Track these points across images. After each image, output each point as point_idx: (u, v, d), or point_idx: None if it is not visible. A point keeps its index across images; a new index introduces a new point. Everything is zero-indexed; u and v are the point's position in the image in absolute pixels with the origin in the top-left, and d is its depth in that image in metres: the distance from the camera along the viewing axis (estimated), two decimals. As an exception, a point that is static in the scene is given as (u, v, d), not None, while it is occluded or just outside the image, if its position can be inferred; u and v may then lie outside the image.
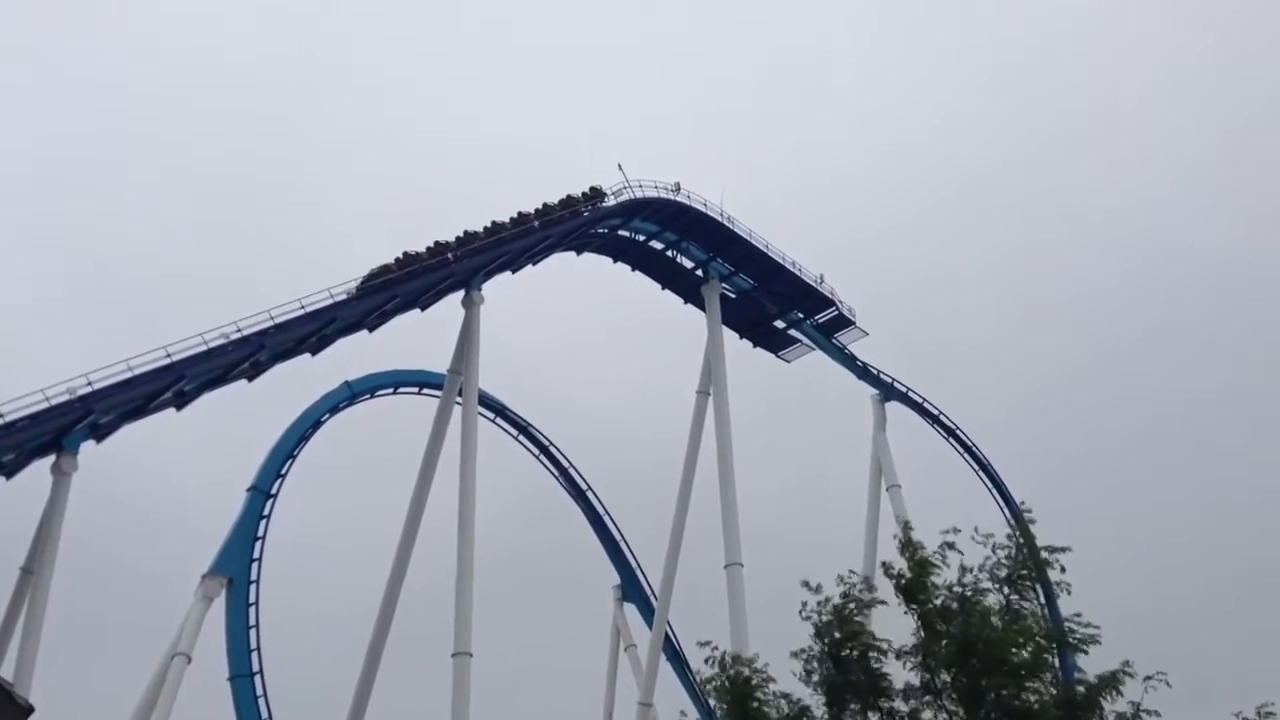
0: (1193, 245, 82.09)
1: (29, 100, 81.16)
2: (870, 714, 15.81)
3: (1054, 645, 15.86)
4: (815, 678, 16.05)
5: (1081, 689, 14.90)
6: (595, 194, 38.75)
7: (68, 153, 78.82)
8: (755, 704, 15.79)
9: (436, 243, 34.48)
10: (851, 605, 16.08)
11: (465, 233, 35.26)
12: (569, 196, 38.13)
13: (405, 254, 33.82)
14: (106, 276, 77.43)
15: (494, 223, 36.14)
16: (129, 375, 26.77)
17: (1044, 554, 16.05)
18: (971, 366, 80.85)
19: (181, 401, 28.93)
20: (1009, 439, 66.57)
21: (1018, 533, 16.73)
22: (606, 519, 43.71)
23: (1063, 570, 15.85)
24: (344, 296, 31.29)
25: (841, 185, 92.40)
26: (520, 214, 36.88)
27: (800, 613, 16.45)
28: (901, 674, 15.95)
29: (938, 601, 15.81)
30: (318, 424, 34.66)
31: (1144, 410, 76.88)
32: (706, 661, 16.78)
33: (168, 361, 27.38)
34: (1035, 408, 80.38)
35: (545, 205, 37.49)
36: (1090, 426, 77.69)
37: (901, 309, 79.30)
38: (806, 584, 16.53)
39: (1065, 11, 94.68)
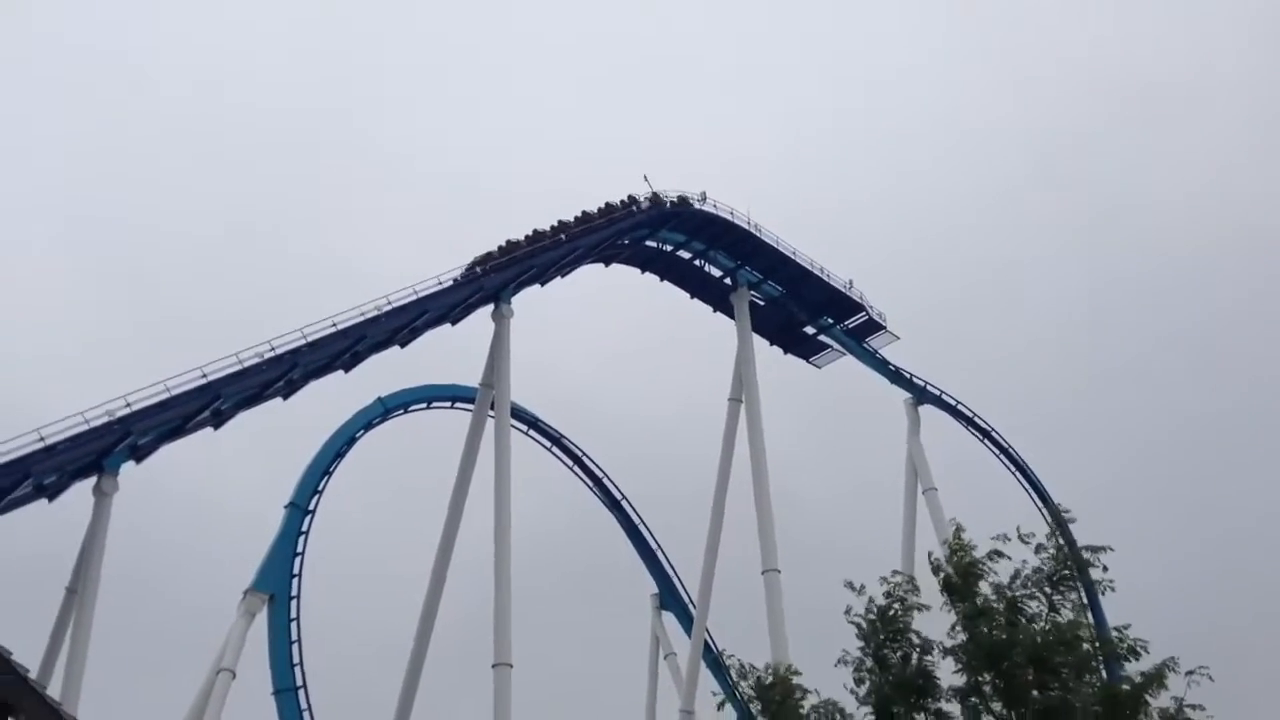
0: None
1: (47, 111, 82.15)
2: (916, 715, 15.74)
3: (1099, 654, 15.76)
4: (864, 688, 15.97)
5: (1126, 687, 14.80)
6: (633, 201, 39.04)
7: (97, 170, 79.67)
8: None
9: (560, 221, 36.90)
10: (896, 606, 15.99)
11: (507, 242, 36.25)
12: (607, 204, 38.48)
13: (508, 241, 36.15)
14: (142, 296, 78.23)
15: (535, 230, 36.83)
16: (166, 396, 27.03)
17: (1085, 554, 15.94)
18: (1007, 367, 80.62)
19: (218, 421, 29.21)
20: (1047, 440, 66.50)
21: (1058, 533, 16.67)
22: (642, 528, 43.77)
23: (1105, 570, 15.75)
24: (374, 313, 31.50)
25: (878, 183, 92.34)
26: (560, 222, 37.40)
27: (846, 616, 16.41)
28: (946, 676, 15.90)
29: (980, 601, 15.77)
30: (352, 440, 34.89)
31: (1186, 410, 76.35)
32: (729, 669, 16.75)
33: (204, 381, 27.63)
34: (1078, 409, 79.98)
35: (584, 213, 37.89)
36: (1137, 423, 77.27)
37: (932, 310, 79.16)
38: (850, 584, 16.47)
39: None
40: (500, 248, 36.26)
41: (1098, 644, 15.88)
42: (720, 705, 16.96)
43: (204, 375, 27.71)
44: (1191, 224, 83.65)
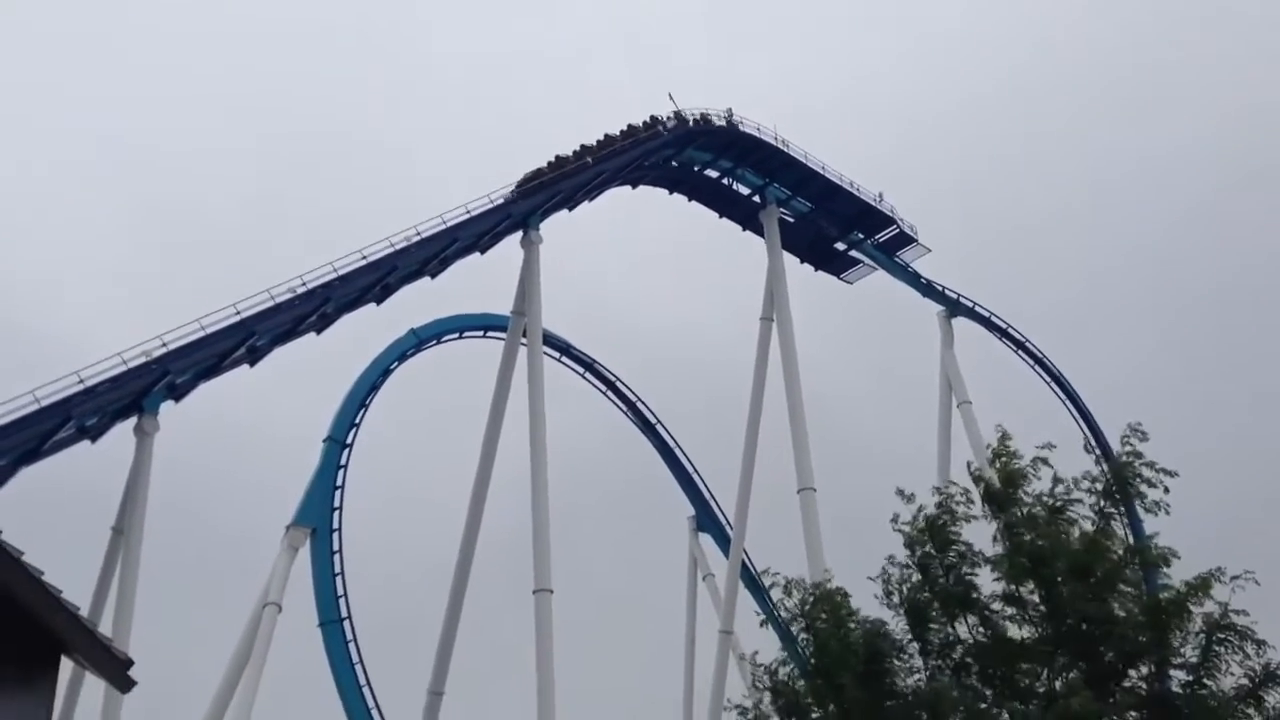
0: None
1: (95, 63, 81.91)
2: (956, 625, 15.76)
3: (1134, 560, 15.70)
4: (896, 598, 15.98)
5: (1169, 594, 14.73)
6: (655, 122, 38.59)
7: (135, 120, 79.56)
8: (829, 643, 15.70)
9: (583, 145, 36.87)
10: (946, 516, 15.94)
11: (556, 157, 36.44)
12: (630, 127, 38.07)
13: (557, 157, 36.26)
14: (175, 237, 78.50)
15: (557, 156, 36.57)
16: (202, 334, 27.24)
17: (1146, 472, 15.68)
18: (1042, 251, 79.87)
19: (254, 357, 29.40)
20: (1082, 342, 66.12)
21: (1097, 449, 16.56)
22: (677, 450, 43.89)
23: (1166, 491, 15.54)
24: (404, 244, 31.45)
25: (893, 78, 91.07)
26: (583, 146, 37.09)
27: (892, 525, 16.34)
28: (987, 586, 15.89)
29: (1024, 510, 15.70)
30: (387, 372, 35.02)
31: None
32: (771, 588, 16.77)
33: (238, 319, 27.80)
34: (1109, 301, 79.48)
35: (606, 136, 37.55)
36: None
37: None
38: (900, 492, 16.39)
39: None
40: (550, 163, 36.30)
41: (1135, 553, 15.78)
42: (762, 624, 17.00)
43: (238, 312, 27.88)
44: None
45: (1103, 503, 15.57)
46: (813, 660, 15.84)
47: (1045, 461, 15.87)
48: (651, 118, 38.72)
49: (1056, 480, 15.79)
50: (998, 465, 16.11)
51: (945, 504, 16.01)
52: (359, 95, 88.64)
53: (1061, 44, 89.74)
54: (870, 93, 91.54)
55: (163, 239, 77.93)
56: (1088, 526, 15.50)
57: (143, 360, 26.11)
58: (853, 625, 15.65)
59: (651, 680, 49.51)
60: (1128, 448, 15.78)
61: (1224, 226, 79.48)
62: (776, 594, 16.60)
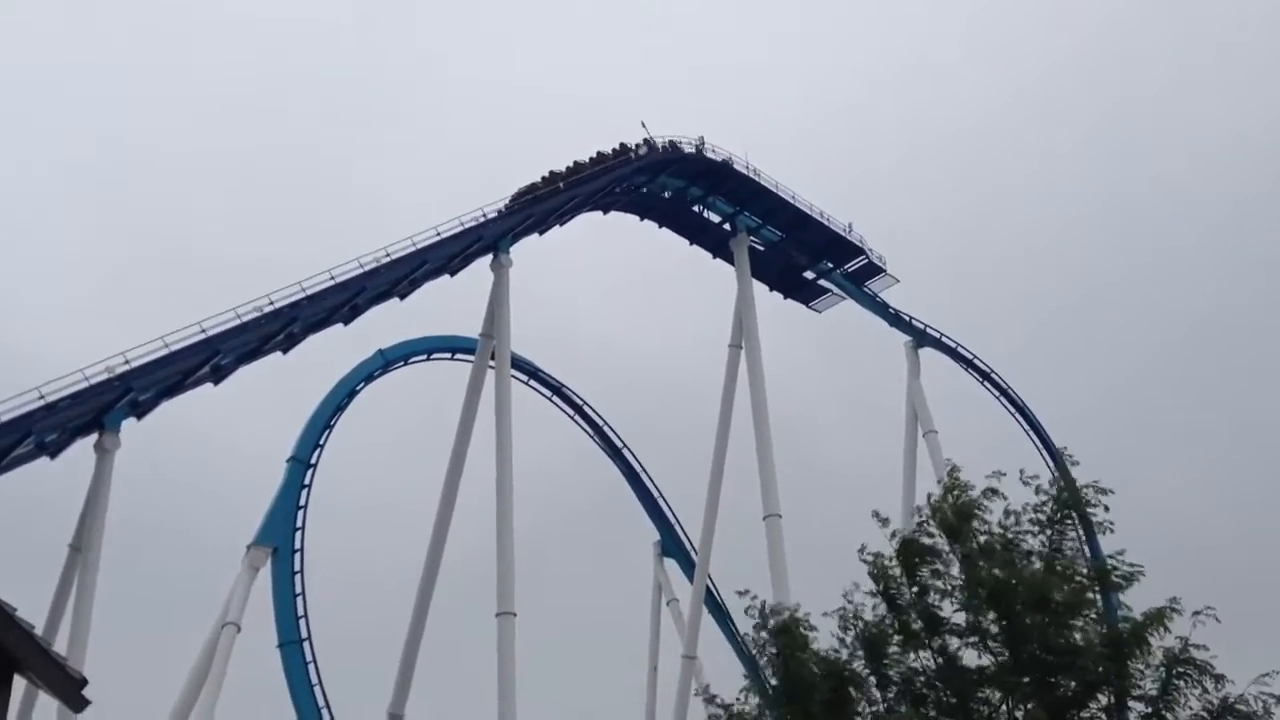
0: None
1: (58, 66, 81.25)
2: (916, 655, 15.79)
3: (1095, 585, 15.84)
4: (851, 634, 15.99)
5: (1127, 625, 14.84)
6: (624, 150, 38.75)
7: (99, 126, 78.90)
8: (802, 658, 15.72)
9: (575, 162, 37.44)
10: (919, 542, 15.97)
11: (550, 173, 37.11)
12: (599, 154, 38.24)
13: (551, 172, 37.06)
14: (140, 254, 77.84)
15: (551, 172, 37.18)
16: (166, 352, 27.02)
17: (1087, 493, 15.91)
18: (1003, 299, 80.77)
19: (218, 376, 29.22)
20: (1045, 378, 66.77)
21: (1058, 476, 16.65)
22: (643, 475, 43.89)
23: (1106, 510, 15.75)
24: (373, 265, 31.39)
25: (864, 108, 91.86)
26: (551, 173, 37.18)
27: (859, 555, 16.29)
28: (949, 615, 15.92)
29: (980, 541, 15.78)
30: (353, 393, 34.88)
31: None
32: (746, 611, 16.77)
33: (203, 337, 27.62)
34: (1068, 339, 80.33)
35: (576, 163, 37.67)
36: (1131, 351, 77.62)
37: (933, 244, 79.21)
38: (876, 514, 16.45)
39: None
40: (544, 178, 36.75)
41: (1093, 575, 15.91)
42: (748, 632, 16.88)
43: (203, 330, 27.70)
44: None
45: (1050, 531, 15.70)
46: (775, 687, 15.82)
47: (996, 492, 15.97)
48: (621, 145, 38.88)
49: (1007, 512, 15.89)
50: (949, 499, 16.18)
51: (922, 526, 16.07)
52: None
53: (1034, 80, 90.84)
54: (845, 124, 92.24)
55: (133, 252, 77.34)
56: (1041, 556, 15.60)
57: (105, 377, 25.87)
58: (815, 653, 15.66)
59: (615, 704, 49.26)
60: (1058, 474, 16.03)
61: (1201, 260, 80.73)
62: (751, 618, 16.56)
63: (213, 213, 78.24)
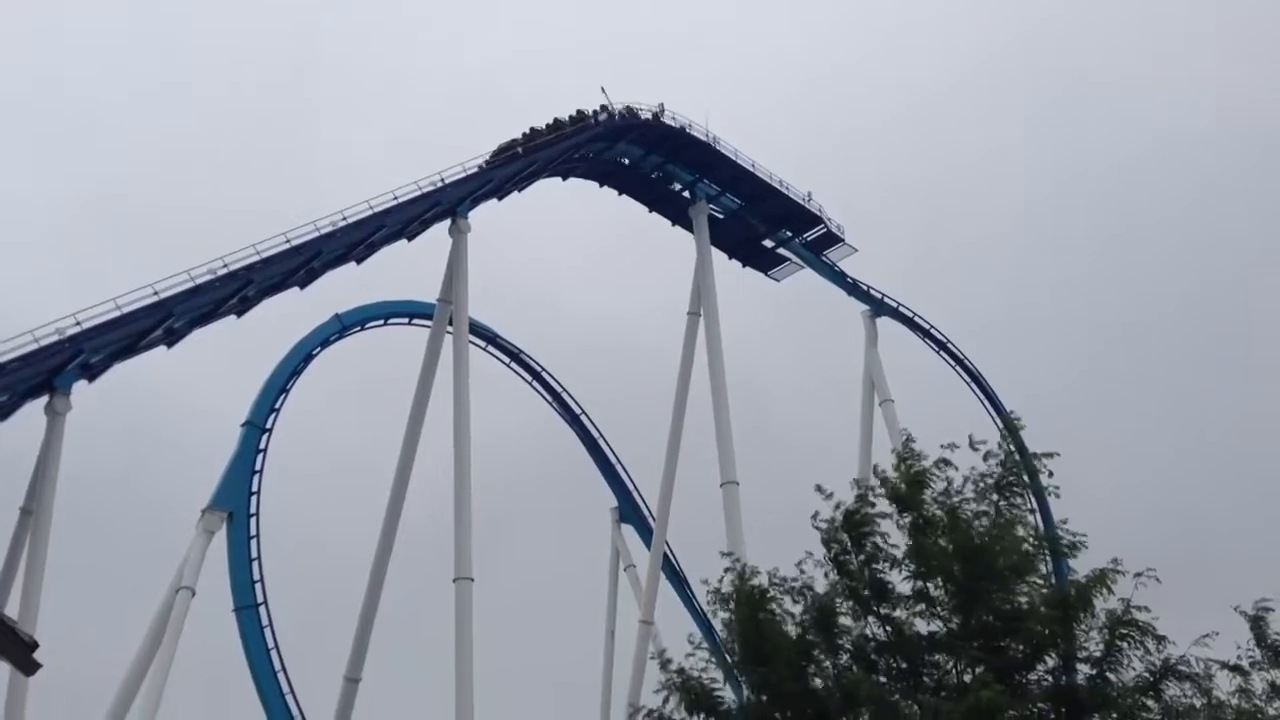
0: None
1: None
2: (867, 622, 16.00)
3: (1044, 550, 16.12)
4: (802, 604, 16.12)
5: (1072, 589, 15.10)
6: (581, 117, 38.55)
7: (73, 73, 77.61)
8: (768, 614, 15.89)
9: (556, 119, 37.68)
10: (863, 511, 16.16)
11: (530, 129, 37.51)
12: (556, 120, 38.03)
13: (531, 129, 37.23)
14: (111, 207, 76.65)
15: (531, 129, 37.52)
16: (118, 314, 26.69)
17: (1035, 460, 16.16)
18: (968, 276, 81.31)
19: (172, 339, 28.91)
20: (1006, 351, 67.53)
21: (1008, 441, 16.86)
22: (601, 442, 44.00)
23: (1050, 475, 16.00)
24: (329, 229, 31.10)
25: (834, 83, 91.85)
26: (532, 129, 37.47)
27: (812, 521, 16.47)
28: (897, 584, 16.13)
29: (928, 511, 15.98)
30: (309, 357, 34.65)
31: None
32: (727, 571, 16.88)
33: (156, 299, 27.27)
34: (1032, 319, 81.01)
35: (533, 129, 37.47)
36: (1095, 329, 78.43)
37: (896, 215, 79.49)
38: (820, 489, 16.55)
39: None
40: (524, 134, 36.92)
41: (1041, 541, 16.19)
42: (710, 594, 17.05)
43: (156, 293, 27.34)
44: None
45: (997, 496, 15.93)
46: (737, 649, 15.98)
47: (949, 462, 16.17)
48: (579, 111, 38.69)
49: (965, 479, 16.10)
50: (902, 468, 16.36)
51: (864, 498, 16.23)
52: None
53: (1001, 50, 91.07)
54: (815, 96, 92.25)
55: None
56: (987, 522, 15.82)
57: (55, 338, 25.55)
58: (782, 620, 15.85)
59: (572, 669, 49.57)
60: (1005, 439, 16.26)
61: (1171, 245, 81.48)
62: (730, 579, 16.67)
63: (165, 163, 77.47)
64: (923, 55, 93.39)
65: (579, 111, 38.67)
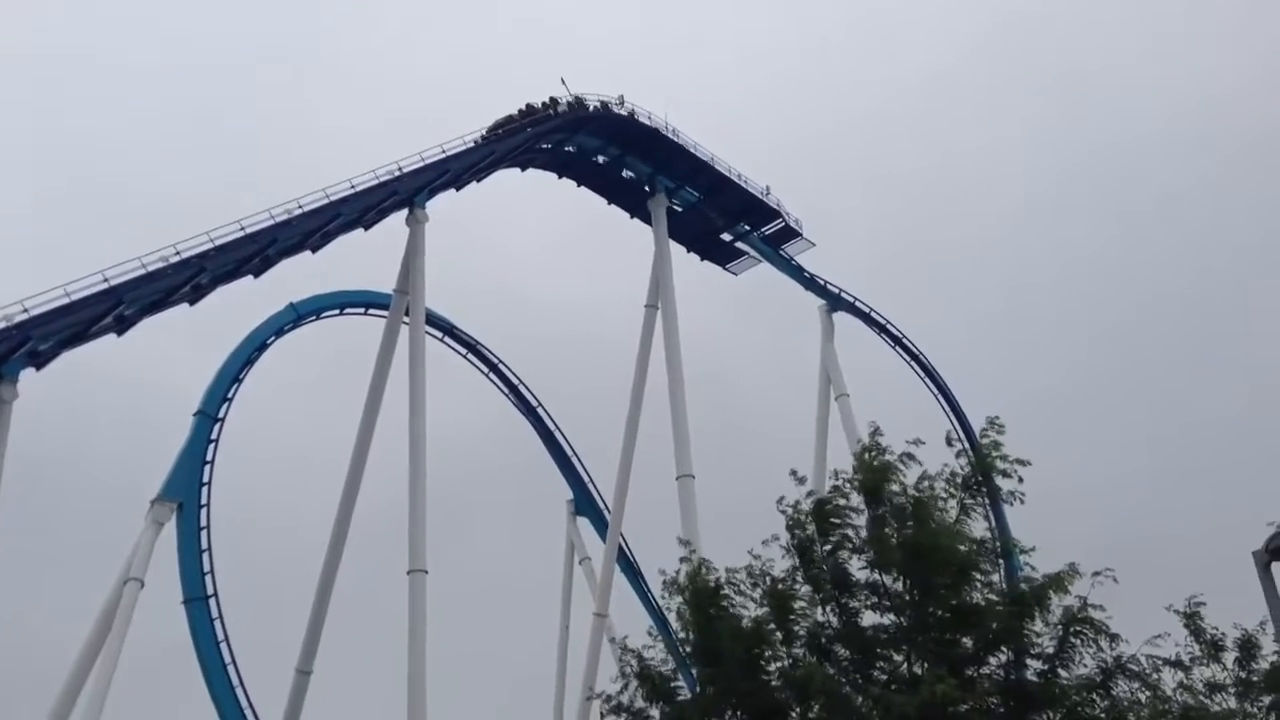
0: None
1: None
2: (824, 611, 16.05)
3: (998, 553, 16.24)
4: (760, 590, 16.17)
5: (1027, 587, 15.25)
6: (554, 103, 38.58)
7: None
8: (719, 610, 15.90)
9: (552, 98, 38.54)
10: (836, 501, 16.19)
11: (527, 105, 38.57)
12: (529, 106, 38.08)
13: (528, 105, 38.22)
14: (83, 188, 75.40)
15: (528, 104, 38.47)
16: (67, 301, 26.20)
17: (999, 461, 16.19)
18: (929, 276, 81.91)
19: (122, 326, 28.36)
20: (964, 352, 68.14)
21: (965, 443, 17.00)
22: (558, 434, 43.89)
23: (1020, 481, 16.06)
24: (284, 217, 30.72)
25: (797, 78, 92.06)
26: (529, 105, 38.32)
27: (778, 505, 16.55)
28: (856, 574, 16.20)
29: (893, 502, 16.05)
30: (263, 346, 34.29)
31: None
32: (681, 561, 16.88)
33: (106, 286, 26.79)
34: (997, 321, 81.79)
35: (508, 117, 37.54)
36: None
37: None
38: (794, 473, 16.73)
39: None
40: (521, 110, 37.57)
41: (998, 544, 16.34)
42: (665, 585, 17.08)
43: (106, 280, 26.85)
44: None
45: (963, 495, 16.04)
46: (689, 644, 15.99)
47: (913, 457, 16.27)
48: (552, 99, 38.77)
49: (924, 476, 16.19)
50: (866, 459, 16.44)
51: (839, 488, 16.29)
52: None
53: (973, 51, 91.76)
54: (775, 89, 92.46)
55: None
56: (950, 518, 15.93)
57: (2, 325, 25.07)
58: (735, 617, 15.86)
59: (527, 662, 49.48)
60: (986, 439, 16.30)
61: (1133, 247, 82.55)
62: (686, 570, 16.67)
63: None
64: (874, 61, 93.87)
65: (552, 98, 38.68)
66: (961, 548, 15.39)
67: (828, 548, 16.10)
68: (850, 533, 16.12)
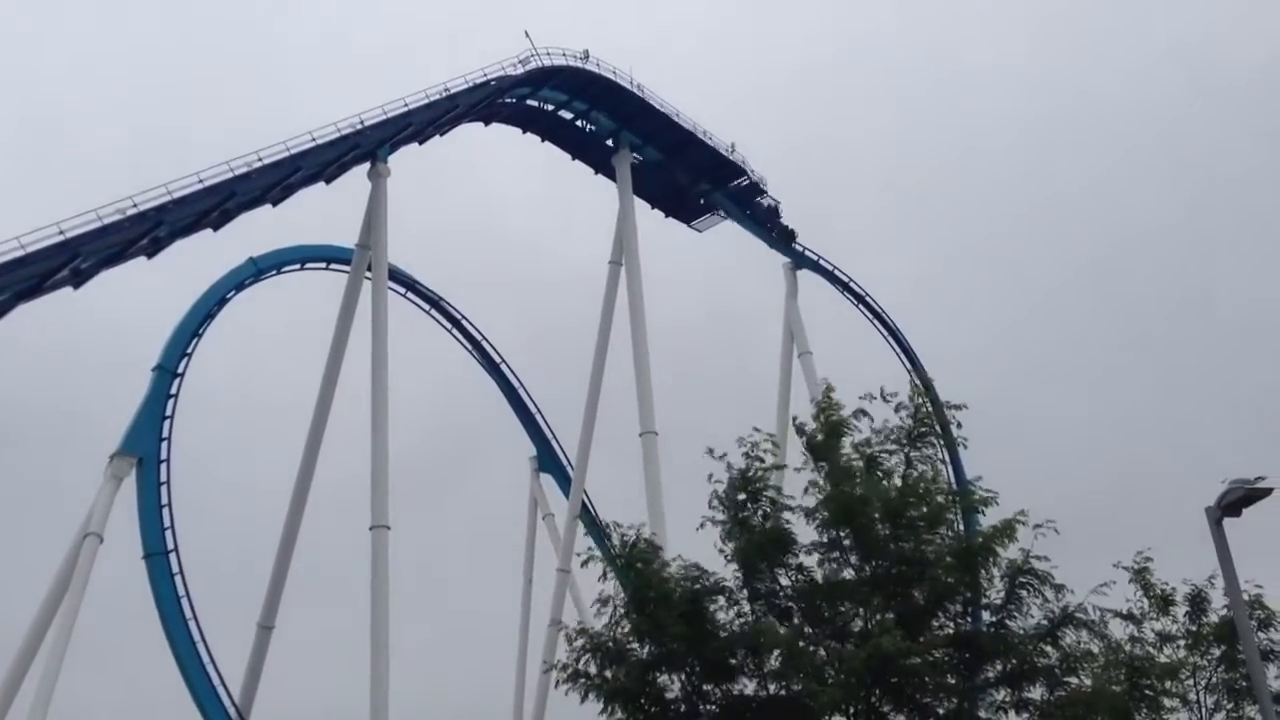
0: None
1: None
2: (779, 572, 16.19)
3: (952, 503, 16.42)
4: (731, 546, 16.28)
5: (979, 539, 15.44)
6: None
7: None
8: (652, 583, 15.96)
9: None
10: (755, 469, 16.28)
11: None
12: None
13: None
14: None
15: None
16: (21, 253, 25.85)
17: (946, 411, 16.44)
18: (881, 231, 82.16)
19: (79, 280, 28.00)
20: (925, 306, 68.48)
21: (920, 395, 17.09)
22: (521, 391, 43.95)
23: (959, 426, 16.27)
24: (244, 170, 30.37)
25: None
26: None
27: (708, 482, 16.60)
28: (807, 533, 16.33)
29: (844, 461, 16.17)
30: (223, 301, 33.99)
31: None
32: (621, 536, 16.93)
33: (61, 239, 26.44)
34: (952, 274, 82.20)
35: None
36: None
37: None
38: (710, 451, 16.62)
39: None
40: None
41: (953, 497, 16.52)
42: (584, 563, 17.03)
43: (61, 232, 26.48)
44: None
45: (908, 449, 16.19)
46: (632, 601, 16.09)
47: (865, 413, 16.38)
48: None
49: (874, 431, 16.33)
50: (821, 419, 16.53)
51: (751, 453, 16.32)
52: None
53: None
54: (740, 45, 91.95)
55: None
56: (901, 473, 16.09)
57: (-47, 278, 24.74)
58: (668, 572, 15.93)
59: (490, 617, 49.72)
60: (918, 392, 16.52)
61: (1093, 201, 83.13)
62: (624, 540, 16.72)
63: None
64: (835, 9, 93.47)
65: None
66: (914, 503, 15.55)
67: (760, 515, 16.22)
68: (774, 494, 16.24)
